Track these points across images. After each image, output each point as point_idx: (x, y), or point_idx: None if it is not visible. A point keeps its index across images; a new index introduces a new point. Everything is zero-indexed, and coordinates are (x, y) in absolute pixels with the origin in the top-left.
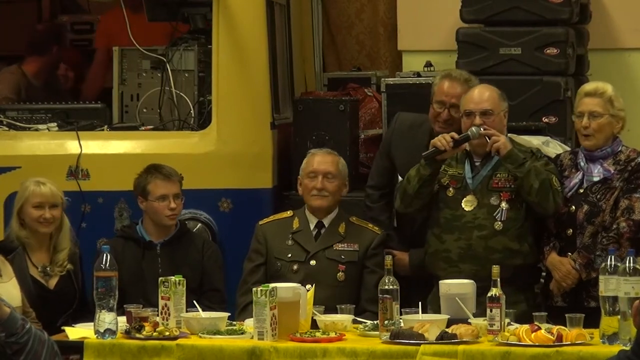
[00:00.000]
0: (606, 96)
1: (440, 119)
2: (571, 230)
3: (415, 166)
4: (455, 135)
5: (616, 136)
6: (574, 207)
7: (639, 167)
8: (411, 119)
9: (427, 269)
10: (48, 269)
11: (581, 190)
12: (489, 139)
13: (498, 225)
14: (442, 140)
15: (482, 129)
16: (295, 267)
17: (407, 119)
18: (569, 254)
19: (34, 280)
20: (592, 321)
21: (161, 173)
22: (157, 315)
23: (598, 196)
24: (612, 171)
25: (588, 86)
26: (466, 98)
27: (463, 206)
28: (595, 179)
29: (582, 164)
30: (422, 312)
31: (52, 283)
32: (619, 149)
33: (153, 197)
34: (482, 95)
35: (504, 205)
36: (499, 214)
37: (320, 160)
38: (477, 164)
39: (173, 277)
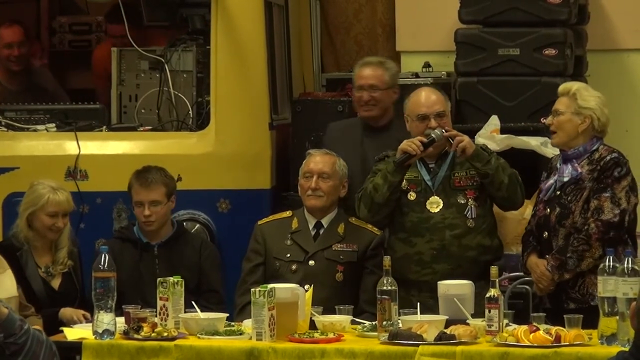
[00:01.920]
0: (570, 94)
1: (362, 102)
2: (547, 233)
3: (379, 175)
4: (424, 139)
5: (594, 136)
6: (549, 209)
7: (607, 165)
8: (342, 124)
9: (394, 274)
10: (51, 269)
11: (558, 192)
12: (453, 139)
13: (470, 222)
14: (412, 145)
15: (444, 130)
16: (294, 267)
17: (337, 126)
18: (547, 256)
19: (43, 281)
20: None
21: (140, 179)
22: (156, 316)
23: (569, 198)
24: (580, 170)
25: (560, 86)
26: (414, 102)
27: (428, 208)
28: (565, 179)
29: (558, 164)
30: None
31: (56, 284)
32: (595, 148)
33: (133, 202)
34: (430, 98)
35: (471, 202)
36: (469, 212)
37: (316, 161)
38: (431, 165)
39: (171, 278)
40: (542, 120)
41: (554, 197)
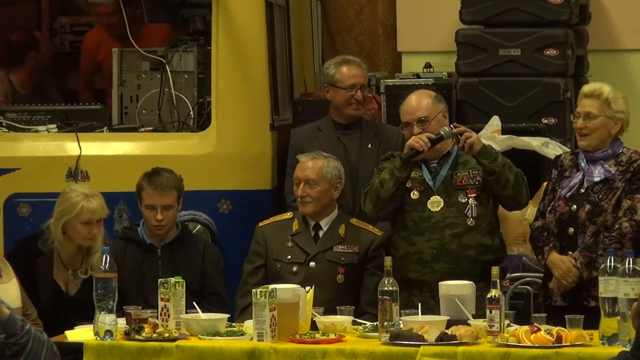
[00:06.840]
0: (603, 97)
1: (353, 101)
2: (572, 230)
3: (386, 170)
4: (432, 136)
5: (617, 138)
6: (575, 206)
7: None
8: (307, 128)
9: (396, 273)
10: (79, 271)
11: (582, 191)
12: (461, 136)
13: (470, 221)
14: (420, 142)
15: (452, 127)
16: (294, 268)
17: (303, 130)
18: (570, 252)
19: (55, 286)
20: (592, 321)
21: (153, 183)
22: (157, 317)
23: (600, 196)
24: (613, 172)
25: (587, 87)
26: (402, 109)
27: (429, 207)
28: (596, 179)
29: (582, 164)
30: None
31: (73, 290)
32: (620, 151)
33: (143, 205)
34: (413, 104)
35: (472, 202)
36: (469, 211)
37: (302, 167)
38: (433, 166)
39: (172, 279)
40: (543, 120)
41: (578, 195)
